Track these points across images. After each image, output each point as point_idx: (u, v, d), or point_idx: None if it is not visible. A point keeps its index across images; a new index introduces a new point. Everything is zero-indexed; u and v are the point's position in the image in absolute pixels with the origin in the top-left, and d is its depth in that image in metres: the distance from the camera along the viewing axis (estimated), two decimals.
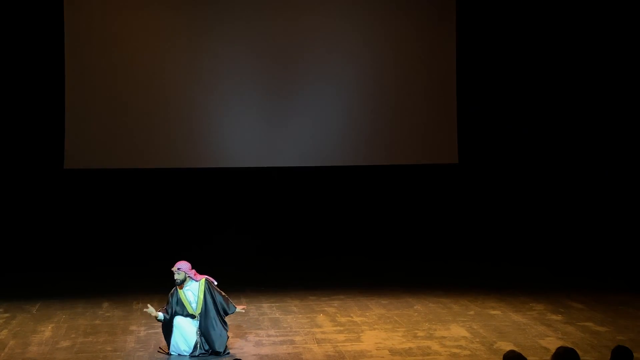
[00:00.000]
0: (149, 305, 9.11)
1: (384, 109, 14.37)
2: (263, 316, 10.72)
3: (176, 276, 9.00)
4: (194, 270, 9.11)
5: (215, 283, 9.19)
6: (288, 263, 14.03)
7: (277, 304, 11.35)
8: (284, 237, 14.49)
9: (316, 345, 9.40)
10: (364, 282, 12.64)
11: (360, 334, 9.83)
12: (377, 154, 14.40)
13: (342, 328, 10.10)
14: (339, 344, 9.40)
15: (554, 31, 14.50)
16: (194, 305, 9.03)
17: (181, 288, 9.06)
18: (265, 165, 14.21)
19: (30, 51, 13.64)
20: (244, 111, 14.02)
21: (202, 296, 9.00)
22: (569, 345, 7.08)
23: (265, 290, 12.05)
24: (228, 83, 13.96)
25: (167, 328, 9.10)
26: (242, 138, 14.02)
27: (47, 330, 10.08)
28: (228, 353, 9.07)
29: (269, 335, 9.81)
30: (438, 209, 14.95)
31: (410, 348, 9.24)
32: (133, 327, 10.21)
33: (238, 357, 7.37)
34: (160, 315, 9.05)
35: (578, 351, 5.66)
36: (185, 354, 9.01)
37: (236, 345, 9.40)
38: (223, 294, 9.18)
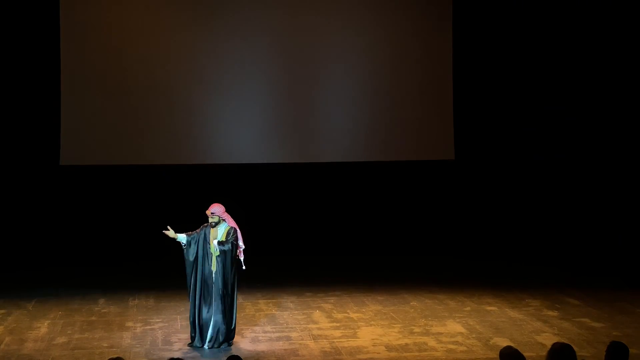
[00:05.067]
0: (169, 227, 9.17)
1: (380, 105, 14.37)
2: (259, 312, 10.72)
3: (210, 220, 9.23)
4: (227, 214, 9.31)
5: (239, 234, 9.28)
6: (284, 259, 14.02)
7: (273, 301, 11.34)
8: (281, 234, 14.47)
9: (312, 341, 9.40)
10: (360, 279, 12.63)
11: (357, 330, 9.84)
12: (373, 150, 14.40)
13: (338, 324, 10.11)
14: (335, 340, 9.41)
15: (549, 28, 14.51)
16: (215, 242, 9.11)
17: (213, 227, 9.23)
18: (261, 162, 14.19)
19: (25, 47, 13.60)
20: (240, 108, 13.99)
21: (223, 239, 9.10)
22: (565, 341, 7.08)
23: (261, 287, 12.05)
24: (225, 79, 13.94)
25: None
26: (239, 135, 14.00)
27: (43, 327, 10.06)
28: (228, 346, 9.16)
29: (265, 332, 9.81)
30: (434, 205, 14.95)
31: (406, 344, 9.26)
32: (129, 324, 10.20)
33: (234, 354, 7.33)
34: (182, 237, 9.16)
35: (574, 347, 5.66)
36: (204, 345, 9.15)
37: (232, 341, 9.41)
38: (239, 252, 9.27)
